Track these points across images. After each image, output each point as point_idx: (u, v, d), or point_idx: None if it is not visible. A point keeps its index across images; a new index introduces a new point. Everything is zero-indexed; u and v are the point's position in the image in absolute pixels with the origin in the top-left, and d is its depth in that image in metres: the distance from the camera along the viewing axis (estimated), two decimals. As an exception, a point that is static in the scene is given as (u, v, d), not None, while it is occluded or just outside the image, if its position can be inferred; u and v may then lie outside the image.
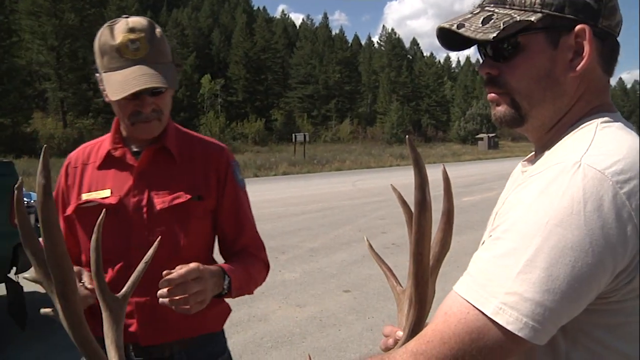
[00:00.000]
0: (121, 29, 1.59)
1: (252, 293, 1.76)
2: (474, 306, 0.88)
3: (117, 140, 1.74)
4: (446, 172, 1.16)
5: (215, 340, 1.83)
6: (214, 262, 1.82)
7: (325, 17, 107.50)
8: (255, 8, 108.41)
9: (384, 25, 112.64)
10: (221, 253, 1.86)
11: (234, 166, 1.81)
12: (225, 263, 1.72)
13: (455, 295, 0.92)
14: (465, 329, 0.88)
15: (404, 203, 1.30)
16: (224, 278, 1.60)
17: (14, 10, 47.75)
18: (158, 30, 1.64)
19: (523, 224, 0.88)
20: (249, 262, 1.76)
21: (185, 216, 1.69)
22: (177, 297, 1.41)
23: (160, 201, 1.67)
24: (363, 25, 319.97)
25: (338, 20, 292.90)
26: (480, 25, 1.03)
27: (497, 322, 0.85)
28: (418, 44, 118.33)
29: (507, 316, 0.85)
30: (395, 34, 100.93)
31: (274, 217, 12.96)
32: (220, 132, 59.24)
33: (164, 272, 1.42)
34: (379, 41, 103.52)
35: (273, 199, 16.81)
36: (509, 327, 0.84)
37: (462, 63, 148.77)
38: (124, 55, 1.57)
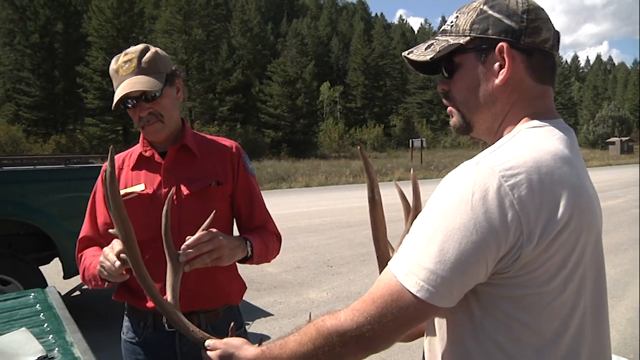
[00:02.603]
0: (120, 56, 1.98)
1: (269, 261, 2.07)
2: (394, 274, 1.09)
3: (146, 144, 2.09)
4: (415, 176, 1.59)
5: (236, 315, 2.13)
6: None
7: (444, 20, 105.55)
8: (373, 15, 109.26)
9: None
10: (239, 230, 2.16)
11: (245, 158, 2.16)
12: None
13: (389, 266, 1.13)
14: (389, 291, 1.08)
15: (403, 197, 1.60)
16: (247, 244, 1.92)
17: (152, 30, 52.62)
18: (151, 51, 1.98)
19: (430, 210, 1.08)
20: (263, 234, 2.07)
21: (208, 199, 2.02)
22: (191, 256, 1.69)
23: (186, 189, 2.01)
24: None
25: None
26: (424, 50, 1.25)
27: (405, 286, 1.05)
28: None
29: (410, 280, 1.05)
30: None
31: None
32: (339, 138, 59.94)
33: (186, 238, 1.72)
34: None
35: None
36: (411, 290, 1.05)
37: (591, 62, 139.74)
38: (120, 74, 1.93)
